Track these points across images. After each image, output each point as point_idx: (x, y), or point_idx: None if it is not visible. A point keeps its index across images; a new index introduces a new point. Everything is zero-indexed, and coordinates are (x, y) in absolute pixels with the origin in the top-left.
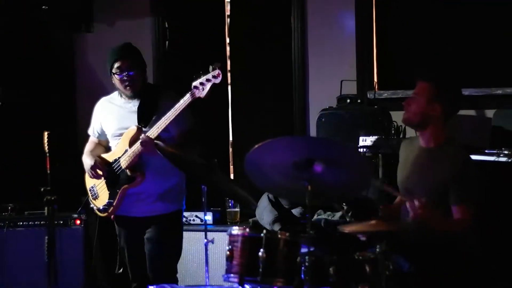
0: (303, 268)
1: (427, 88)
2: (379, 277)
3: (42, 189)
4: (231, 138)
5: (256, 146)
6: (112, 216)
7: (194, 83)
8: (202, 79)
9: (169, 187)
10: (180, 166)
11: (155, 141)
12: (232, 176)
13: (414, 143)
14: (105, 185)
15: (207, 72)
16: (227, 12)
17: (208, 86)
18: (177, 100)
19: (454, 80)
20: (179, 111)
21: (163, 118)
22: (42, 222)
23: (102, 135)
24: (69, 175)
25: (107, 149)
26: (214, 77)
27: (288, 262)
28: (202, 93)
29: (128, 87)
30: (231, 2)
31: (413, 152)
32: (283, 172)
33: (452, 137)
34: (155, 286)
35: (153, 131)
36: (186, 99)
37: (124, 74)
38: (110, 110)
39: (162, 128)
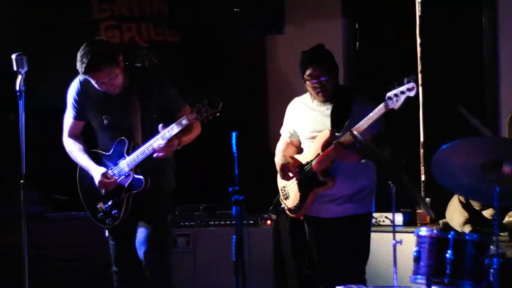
0: (491, 270)
1: None
2: None
3: (230, 190)
4: (422, 139)
5: (444, 147)
6: (301, 217)
7: (388, 94)
8: (397, 90)
9: (359, 189)
10: (375, 160)
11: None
12: (423, 178)
13: None
14: (296, 186)
15: (402, 83)
16: (418, 13)
17: (402, 98)
18: (370, 105)
19: None
20: (372, 120)
21: (356, 126)
22: (232, 222)
23: (294, 135)
24: (260, 175)
25: (299, 149)
26: (408, 90)
27: (476, 264)
28: (396, 104)
29: (320, 93)
30: (422, 2)
31: None
32: (470, 173)
33: None
34: (342, 287)
35: (346, 138)
36: (379, 109)
37: (316, 81)
38: (303, 112)
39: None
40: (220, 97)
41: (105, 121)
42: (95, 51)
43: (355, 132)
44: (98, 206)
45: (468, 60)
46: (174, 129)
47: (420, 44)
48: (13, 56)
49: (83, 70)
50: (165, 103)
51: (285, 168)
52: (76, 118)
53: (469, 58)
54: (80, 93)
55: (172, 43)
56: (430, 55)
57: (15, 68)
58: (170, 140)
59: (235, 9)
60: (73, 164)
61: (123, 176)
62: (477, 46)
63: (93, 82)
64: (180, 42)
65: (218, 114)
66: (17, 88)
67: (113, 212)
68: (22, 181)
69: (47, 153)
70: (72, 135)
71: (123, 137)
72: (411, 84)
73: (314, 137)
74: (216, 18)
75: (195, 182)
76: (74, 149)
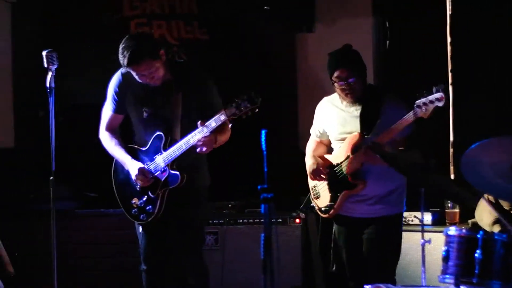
0: None
1: None
2: None
3: (259, 187)
4: (451, 138)
5: (473, 146)
6: (331, 216)
7: (417, 102)
8: (426, 99)
9: (390, 190)
10: (400, 170)
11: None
12: (452, 177)
13: None
14: (327, 187)
15: (430, 92)
16: (449, 11)
17: (431, 108)
18: (400, 105)
19: None
20: (401, 126)
21: (385, 132)
22: (261, 220)
23: (323, 135)
24: (289, 174)
25: (329, 148)
26: (437, 100)
27: (505, 264)
28: (424, 114)
29: (348, 95)
30: (453, 1)
31: None
32: (500, 173)
33: None
34: (370, 286)
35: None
36: (408, 117)
37: (344, 82)
38: (332, 113)
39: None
40: (259, 93)
41: (144, 114)
42: (136, 44)
43: (378, 142)
44: (133, 201)
45: (500, 59)
46: (212, 124)
47: (451, 43)
48: (44, 53)
49: (124, 63)
50: (205, 102)
51: (316, 170)
52: (116, 111)
53: (501, 57)
54: (121, 86)
55: (202, 41)
56: (461, 54)
57: (45, 65)
58: (208, 136)
59: (265, 7)
60: (103, 161)
61: (159, 172)
62: (509, 45)
63: (134, 74)
64: (209, 40)
65: (257, 110)
66: (47, 85)
67: (147, 208)
68: (51, 177)
69: (77, 150)
70: (109, 129)
71: (160, 132)
72: (440, 94)
73: (343, 139)
74: (246, 16)
75: (224, 179)
76: (111, 143)
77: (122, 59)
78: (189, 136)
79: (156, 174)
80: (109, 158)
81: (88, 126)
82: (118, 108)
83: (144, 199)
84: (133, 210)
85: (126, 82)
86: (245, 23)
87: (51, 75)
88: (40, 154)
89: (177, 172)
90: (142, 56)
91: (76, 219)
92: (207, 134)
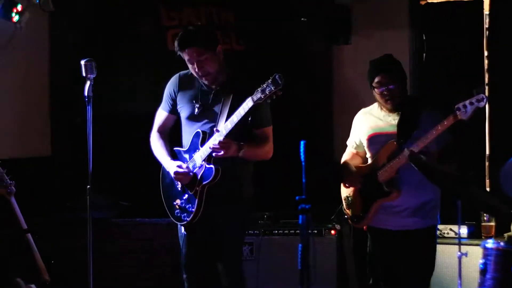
0: None
1: None
2: None
3: (297, 198)
4: (487, 152)
5: None
6: (365, 227)
7: (457, 105)
8: (466, 102)
9: (425, 201)
10: (436, 181)
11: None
12: (488, 190)
13: None
14: (360, 196)
15: (471, 95)
16: (486, 25)
17: (471, 109)
18: (438, 116)
19: None
20: (440, 131)
21: (423, 137)
22: (296, 231)
23: (360, 146)
24: (325, 185)
25: (365, 160)
26: (478, 101)
27: None
28: (465, 115)
29: (388, 101)
30: (490, 15)
31: None
32: None
33: None
34: None
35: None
36: (448, 119)
37: (384, 88)
38: (370, 122)
39: (422, 146)
40: (282, 75)
41: (196, 110)
42: (190, 31)
43: (415, 151)
44: (175, 203)
45: None
46: (241, 112)
47: (488, 56)
48: (82, 62)
49: (176, 46)
50: (253, 113)
51: (350, 177)
52: (170, 111)
53: None
54: (177, 86)
55: (238, 52)
56: (497, 67)
57: (83, 74)
58: (228, 137)
59: (302, 19)
60: (139, 170)
61: (197, 168)
62: None
63: (186, 60)
64: (246, 51)
65: (281, 92)
66: (85, 94)
67: (187, 206)
68: (88, 186)
69: (114, 159)
70: (160, 129)
71: (198, 130)
72: (481, 96)
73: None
74: (282, 27)
75: (259, 190)
76: (157, 143)
77: (176, 44)
78: (222, 127)
79: (194, 171)
80: (146, 167)
81: (124, 136)
82: (173, 108)
83: (185, 198)
84: (176, 211)
85: (183, 84)
86: (282, 34)
87: (90, 84)
88: (76, 163)
89: (212, 166)
90: (191, 42)
91: (111, 228)
92: (234, 124)
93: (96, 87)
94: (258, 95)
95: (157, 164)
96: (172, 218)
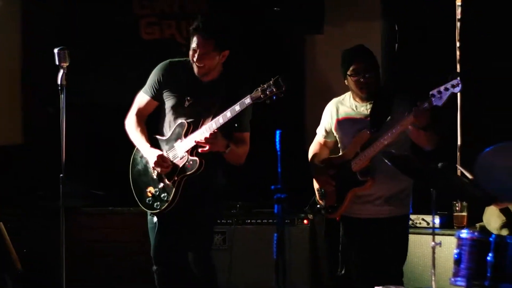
0: None
1: None
2: None
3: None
4: (459, 142)
5: (489, 148)
6: (338, 217)
7: (431, 92)
8: (441, 87)
9: (398, 191)
10: (408, 173)
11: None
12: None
13: None
14: (333, 187)
15: (446, 81)
16: (458, 15)
17: (446, 95)
18: (410, 105)
19: None
20: (405, 127)
21: (395, 127)
22: (269, 221)
23: (330, 134)
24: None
25: (332, 151)
26: (453, 86)
27: None
28: (439, 101)
29: (363, 89)
30: (462, 5)
31: None
32: None
33: None
34: None
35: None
36: (423, 105)
37: (360, 76)
38: (341, 112)
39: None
40: (287, 78)
41: (186, 102)
42: (216, 20)
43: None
44: (148, 190)
45: (509, 64)
46: (236, 109)
47: (459, 47)
48: (55, 50)
49: (194, 25)
50: (239, 116)
51: (324, 179)
52: (153, 97)
53: (509, 61)
54: (167, 73)
55: None
56: (469, 58)
57: (57, 62)
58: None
59: (275, 8)
60: (111, 159)
61: (177, 158)
62: None
63: (192, 41)
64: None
65: (282, 95)
66: (59, 82)
67: (162, 195)
68: (61, 174)
69: (86, 148)
70: (139, 114)
71: (183, 121)
72: (456, 81)
73: (352, 137)
74: (255, 17)
75: (232, 179)
76: (136, 128)
77: (195, 23)
78: (212, 122)
79: (174, 161)
80: (119, 155)
81: (97, 125)
82: (157, 95)
83: (160, 186)
84: (148, 199)
85: (173, 72)
86: (254, 24)
87: (63, 73)
88: (49, 151)
89: (196, 158)
90: (211, 34)
91: (84, 217)
92: (226, 120)
93: (69, 76)
94: (257, 94)
95: (131, 153)
96: (141, 205)
